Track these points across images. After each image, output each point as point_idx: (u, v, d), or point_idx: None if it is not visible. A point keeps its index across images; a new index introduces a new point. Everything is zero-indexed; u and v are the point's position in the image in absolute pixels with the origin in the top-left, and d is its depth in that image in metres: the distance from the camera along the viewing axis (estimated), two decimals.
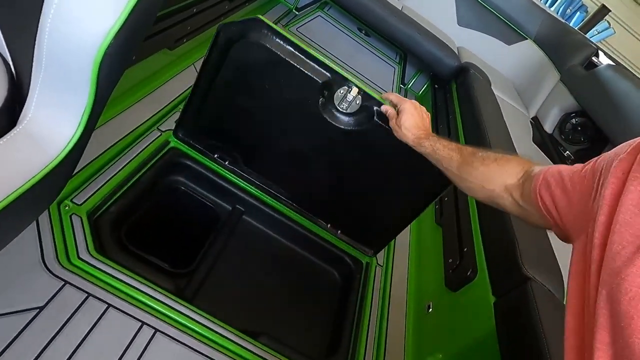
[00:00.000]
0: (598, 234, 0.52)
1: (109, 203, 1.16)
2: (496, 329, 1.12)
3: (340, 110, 1.25)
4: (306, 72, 1.18)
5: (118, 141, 1.29)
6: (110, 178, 1.20)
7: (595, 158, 0.66)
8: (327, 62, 1.18)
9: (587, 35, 3.97)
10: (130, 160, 1.28)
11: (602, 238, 0.52)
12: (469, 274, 1.33)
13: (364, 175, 1.39)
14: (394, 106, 1.16)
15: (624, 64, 3.12)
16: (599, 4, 6.76)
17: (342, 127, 1.27)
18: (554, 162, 2.48)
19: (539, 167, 0.79)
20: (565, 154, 2.63)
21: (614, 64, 2.81)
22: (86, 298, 0.94)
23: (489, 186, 0.86)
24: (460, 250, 1.47)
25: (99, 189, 1.16)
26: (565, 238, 0.70)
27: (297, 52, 1.17)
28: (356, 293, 1.44)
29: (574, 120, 2.76)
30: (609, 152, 0.62)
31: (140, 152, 1.32)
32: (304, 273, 1.52)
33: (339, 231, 1.56)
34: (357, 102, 1.23)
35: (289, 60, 1.16)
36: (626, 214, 0.49)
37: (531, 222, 0.80)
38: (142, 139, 1.36)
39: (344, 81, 1.21)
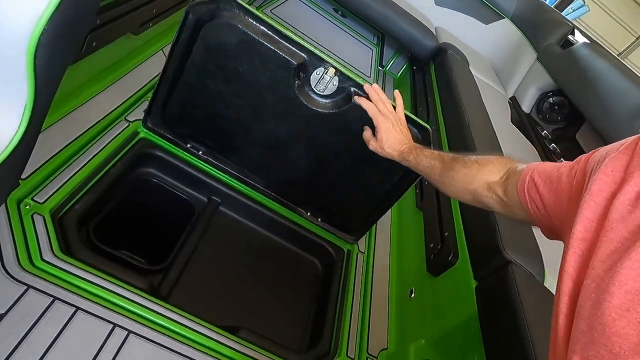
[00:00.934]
0: (582, 228, 0.52)
1: (74, 200, 1.10)
2: (478, 313, 1.12)
3: (317, 92, 1.21)
4: (281, 53, 1.13)
5: (82, 133, 1.22)
6: (75, 173, 1.14)
7: (585, 157, 0.65)
8: (302, 42, 1.14)
9: (563, 13, 3.98)
10: (97, 154, 1.21)
11: (588, 233, 0.51)
12: (450, 258, 1.32)
13: (343, 160, 1.35)
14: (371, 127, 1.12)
15: (598, 42, 3.14)
16: None
17: (320, 109, 1.23)
18: (532, 142, 2.49)
19: (523, 165, 0.79)
20: (543, 134, 2.65)
21: (589, 42, 2.82)
22: (52, 302, 0.89)
23: (471, 186, 0.87)
24: (441, 235, 1.46)
25: (62, 186, 1.10)
26: (554, 236, 0.70)
27: (271, 33, 1.12)
28: (338, 281, 1.42)
29: (550, 100, 2.77)
30: (600, 150, 0.62)
31: (107, 144, 1.25)
32: (284, 263, 1.49)
33: (319, 219, 1.53)
34: (334, 84, 1.19)
35: (262, 41, 1.11)
36: (623, 211, 0.48)
37: (516, 218, 0.81)
38: (109, 130, 1.29)
39: (321, 62, 1.17)
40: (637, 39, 7.86)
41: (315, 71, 1.18)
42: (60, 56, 0.56)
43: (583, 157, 0.66)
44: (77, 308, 0.91)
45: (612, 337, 0.41)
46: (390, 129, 1.09)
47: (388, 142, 1.08)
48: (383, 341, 1.34)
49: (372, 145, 1.12)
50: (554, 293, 1.15)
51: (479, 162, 0.88)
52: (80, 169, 1.15)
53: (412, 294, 1.42)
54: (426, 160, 1.00)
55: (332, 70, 1.17)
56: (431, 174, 0.98)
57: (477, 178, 0.86)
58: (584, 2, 6.70)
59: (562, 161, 2.43)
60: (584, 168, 0.62)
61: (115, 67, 1.43)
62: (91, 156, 1.19)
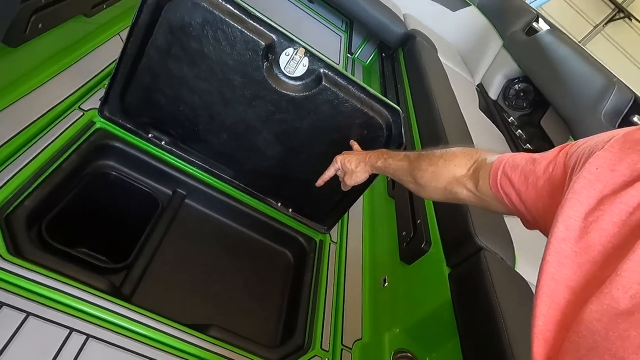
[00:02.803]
0: (563, 227, 0.50)
1: (23, 196, 1.01)
2: (451, 299, 1.12)
3: (287, 74, 1.16)
4: (248, 33, 1.08)
5: (31, 123, 1.12)
6: (24, 167, 1.05)
7: (563, 151, 0.62)
8: (270, 22, 1.08)
9: (527, 1, 4.05)
10: (48, 145, 1.12)
11: (570, 232, 0.49)
12: (422, 246, 1.32)
13: (313, 146, 1.31)
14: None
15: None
16: None
17: (289, 92, 1.19)
18: (499, 128, 2.53)
19: (492, 156, 0.77)
20: (509, 120, 2.69)
21: (553, 29, 2.88)
22: None
23: (440, 184, 0.85)
24: (414, 223, 1.45)
25: (9, 181, 1.01)
26: (534, 227, 0.69)
27: (237, 12, 1.07)
28: (311, 272, 1.39)
29: (516, 86, 2.82)
30: (581, 145, 0.59)
31: (60, 135, 1.16)
32: (255, 257, 1.45)
33: (290, 209, 1.49)
34: (304, 64, 1.15)
35: (229, 20, 1.06)
36: (621, 214, 0.47)
37: (492, 210, 0.79)
38: (61, 120, 1.19)
39: (290, 42, 1.12)
40: (594, 27, 8.16)
41: (284, 52, 1.13)
42: None
43: (559, 151, 0.63)
44: (28, 313, 0.84)
45: (616, 341, 0.39)
46: (344, 159, 1.10)
47: (351, 166, 1.08)
48: (357, 331, 1.32)
49: (347, 184, 1.13)
50: (524, 277, 1.17)
51: (444, 158, 0.86)
52: (30, 162, 1.06)
53: (385, 282, 1.41)
54: (394, 163, 0.99)
55: (301, 51, 1.13)
56: (403, 176, 0.96)
57: (445, 174, 0.84)
58: None
59: (528, 147, 2.49)
60: (564, 162, 0.60)
61: (67, 52, 1.33)
62: (41, 148, 1.10)
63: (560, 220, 0.50)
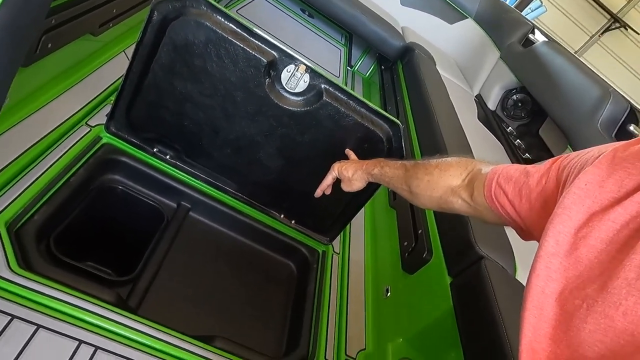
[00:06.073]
0: (554, 242, 0.51)
1: (32, 210, 1.04)
2: (454, 308, 1.13)
3: (288, 90, 1.19)
4: (250, 51, 1.11)
5: (40, 140, 1.15)
6: (33, 182, 1.07)
7: (556, 164, 0.64)
8: (271, 39, 1.12)
9: (522, 14, 4.11)
10: (56, 161, 1.15)
11: (560, 247, 0.50)
12: (424, 256, 1.33)
13: (314, 160, 1.34)
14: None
15: (556, 41, 3.26)
16: None
17: (291, 108, 1.21)
18: (498, 138, 2.56)
19: (486, 167, 0.78)
20: (508, 130, 2.72)
21: (549, 40, 2.92)
22: (10, 321, 0.83)
23: (435, 193, 0.86)
24: (415, 233, 1.47)
25: (19, 195, 1.03)
26: (529, 237, 0.70)
27: (239, 30, 1.10)
28: (314, 284, 1.41)
29: (514, 97, 2.86)
30: (574, 158, 0.61)
31: (68, 150, 1.19)
32: (258, 268, 1.46)
33: (293, 221, 1.51)
34: (305, 81, 1.18)
35: (231, 39, 1.09)
36: (609, 231, 0.48)
37: (487, 221, 0.80)
38: (69, 136, 1.22)
39: (291, 59, 1.15)
40: (590, 37, 8.24)
41: (285, 69, 1.16)
42: (4, 56, 0.51)
43: (552, 163, 0.65)
44: (39, 326, 0.85)
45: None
46: (341, 167, 1.14)
47: (348, 174, 1.11)
48: (361, 342, 1.33)
49: (345, 190, 1.16)
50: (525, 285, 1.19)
51: (439, 167, 0.87)
52: (39, 177, 1.09)
53: (388, 292, 1.42)
54: (391, 171, 1.00)
55: (302, 67, 1.16)
56: (399, 184, 0.97)
57: (440, 184, 0.85)
58: (542, 3, 6.96)
59: (527, 156, 2.51)
60: (556, 175, 0.62)
61: (74, 69, 1.36)
62: (50, 163, 1.13)
63: (550, 234, 0.52)
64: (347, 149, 1.25)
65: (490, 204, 0.73)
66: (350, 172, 1.11)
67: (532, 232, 0.67)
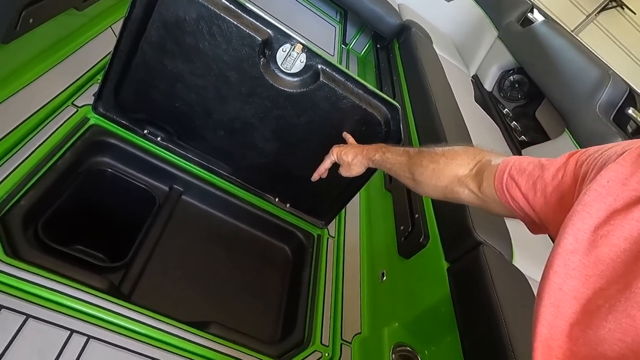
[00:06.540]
0: (573, 240, 0.49)
1: (18, 196, 1.00)
2: (451, 294, 1.12)
3: (284, 70, 1.15)
4: (244, 29, 1.06)
5: (24, 121, 1.10)
6: (18, 166, 1.03)
7: (573, 159, 0.61)
8: (266, 17, 1.06)
9: None
10: (42, 143, 1.10)
11: (580, 244, 0.49)
12: (421, 240, 1.32)
13: (310, 142, 1.31)
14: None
15: (555, 20, 3.21)
16: None
17: (286, 89, 1.17)
18: (494, 120, 2.53)
19: (496, 158, 0.75)
20: (504, 112, 2.70)
21: (548, 20, 2.87)
22: None
23: (441, 182, 0.84)
24: (412, 217, 1.45)
25: (4, 180, 0.99)
26: (540, 232, 0.68)
27: (232, 6, 1.04)
28: (309, 267, 1.40)
29: (511, 78, 2.82)
30: (593, 154, 0.58)
31: (54, 132, 1.14)
32: (253, 252, 1.44)
33: (288, 204, 1.49)
34: (302, 61, 1.14)
35: (224, 15, 1.04)
36: (632, 230, 0.46)
37: (493, 212, 0.78)
38: (55, 117, 1.17)
39: (287, 38, 1.11)
40: (587, 17, 8.15)
41: (281, 48, 1.12)
42: None
43: (568, 157, 0.62)
44: (28, 316, 0.83)
45: None
46: (340, 151, 1.11)
47: (348, 159, 1.09)
48: (356, 325, 1.33)
49: (344, 175, 1.13)
50: (522, 271, 1.18)
51: (446, 156, 0.84)
52: (24, 161, 1.05)
53: (383, 276, 1.41)
54: (393, 157, 0.97)
55: (299, 47, 1.11)
56: (400, 172, 0.95)
57: (447, 173, 0.83)
58: None
59: (523, 138, 2.49)
60: (573, 170, 0.60)
61: (59, 46, 1.30)
62: (35, 146, 1.08)
63: (569, 232, 0.50)
64: (345, 132, 1.22)
65: (500, 196, 0.70)
66: (350, 157, 1.08)
67: (546, 226, 0.65)
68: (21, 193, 1.00)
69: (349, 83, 1.18)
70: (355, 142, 1.18)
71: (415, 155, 0.91)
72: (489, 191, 0.73)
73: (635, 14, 7.29)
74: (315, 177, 1.19)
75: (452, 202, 0.87)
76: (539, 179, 0.64)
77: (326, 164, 1.15)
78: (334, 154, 1.12)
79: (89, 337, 0.87)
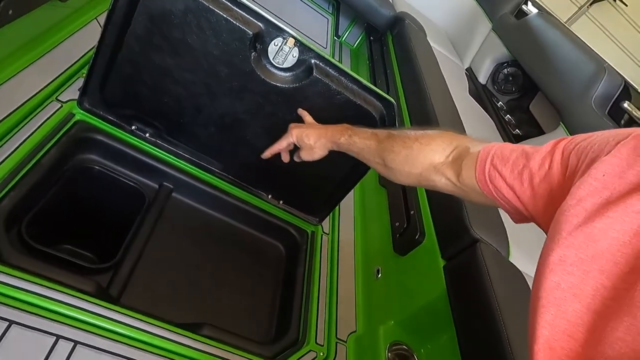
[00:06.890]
0: (567, 234, 0.47)
1: (0, 195, 0.96)
2: (447, 292, 1.11)
3: (276, 65, 1.11)
4: (234, 22, 1.02)
5: (5, 117, 1.06)
6: (0, 164, 0.99)
7: (559, 147, 0.58)
8: (258, 9, 1.03)
9: None
10: (25, 140, 1.06)
11: (574, 239, 0.47)
12: (417, 237, 1.30)
13: None
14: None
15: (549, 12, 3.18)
16: None
17: (279, 84, 1.14)
18: (488, 113, 2.52)
19: (475, 145, 0.71)
20: (498, 105, 2.68)
21: (542, 12, 2.85)
22: None
23: (415, 170, 0.79)
24: (407, 213, 1.43)
25: None
26: (524, 221, 0.65)
27: None
28: (303, 265, 1.37)
29: (505, 71, 2.80)
30: (580, 142, 0.56)
31: (37, 128, 1.10)
32: (246, 250, 1.42)
33: (281, 201, 1.46)
34: (294, 55, 1.10)
35: (213, 8, 1.00)
36: (633, 223, 0.44)
37: (471, 201, 0.74)
38: (38, 113, 1.13)
39: (279, 31, 1.07)
40: (579, 8, 8.15)
41: (273, 42, 1.08)
42: None
43: (554, 145, 0.59)
44: (11, 322, 0.80)
45: None
46: (300, 133, 1.01)
47: (309, 141, 0.99)
48: (352, 324, 1.31)
49: (304, 159, 1.04)
50: (519, 268, 1.17)
51: (419, 141, 0.79)
52: (5, 159, 1.00)
53: (379, 274, 1.40)
54: (360, 141, 0.90)
55: (291, 41, 1.07)
56: (369, 157, 0.88)
57: (421, 159, 0.78)
58: None
59: (517, 132, 2.47)
60: (561, 159, 0.57)
61: (41, 39, 1.25)
62: (18, 144, 1.04)
63: (563, 226, 0.48)
64: (300, 109, 1.13)
65: (482, 186, 0.67)
66: (312, 140, 0.99)
67: (533, 217, 0.62)
68: (3, 192, 0.97)
69: (343, 78, 1.15)
70: (313, 120, 1.09)
71: (385, 139, 0.85)
72: (469, 181, 0.69)
73: (627, 5, 7.30)
74: (266, 155, 1.10)
75: (428, 189, 0.82)
76: (524, 169, 0.60)
77: (282, 144, 1.05)
78: (294, 136, 1.02)
79: (76, 342, 0.84)
